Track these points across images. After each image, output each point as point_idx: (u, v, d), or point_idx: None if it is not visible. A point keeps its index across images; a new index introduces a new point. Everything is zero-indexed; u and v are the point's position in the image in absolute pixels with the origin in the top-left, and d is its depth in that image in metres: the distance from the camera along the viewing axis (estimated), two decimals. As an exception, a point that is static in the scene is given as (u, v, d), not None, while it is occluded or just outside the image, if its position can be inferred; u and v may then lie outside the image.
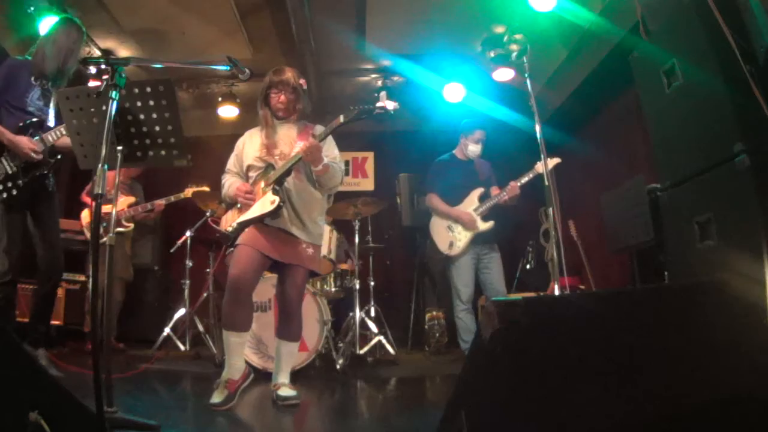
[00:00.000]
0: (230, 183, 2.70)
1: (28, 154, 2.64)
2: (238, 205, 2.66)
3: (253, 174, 2.68)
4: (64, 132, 2.69)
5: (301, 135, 2.65)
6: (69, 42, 2.86)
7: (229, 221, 2.67)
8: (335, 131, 2.54)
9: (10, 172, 2.66)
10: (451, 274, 3.74)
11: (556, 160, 3.46)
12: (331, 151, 2.68)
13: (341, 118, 2.43)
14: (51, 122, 2.80)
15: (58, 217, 3.03)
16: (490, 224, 3.67)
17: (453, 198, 3.78)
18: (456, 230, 3.71)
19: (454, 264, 3.70)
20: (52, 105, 2.84)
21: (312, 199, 2.66)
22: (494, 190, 3.77)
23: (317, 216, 2.69)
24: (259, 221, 2.53)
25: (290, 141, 2.65)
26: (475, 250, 3.69)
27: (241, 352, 2.57)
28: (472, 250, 3.67)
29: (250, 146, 2.72)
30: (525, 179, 3.54)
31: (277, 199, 2.46)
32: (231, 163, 2.78)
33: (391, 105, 2.39)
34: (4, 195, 2.64)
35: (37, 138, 2.70)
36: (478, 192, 3.77)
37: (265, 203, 2.50)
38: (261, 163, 2.64)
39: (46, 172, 2.82)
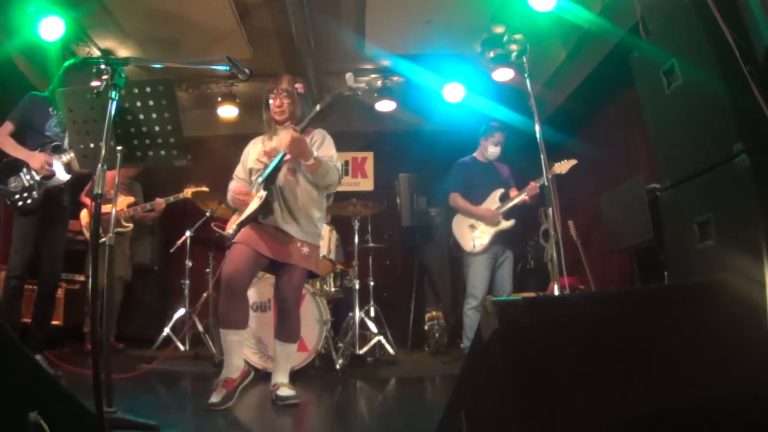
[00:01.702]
0: (233, 186, 2.77)
1: (43, 166, 2.94)
2: (236, 211, 2.73)
3: (254, 178, 2.73)
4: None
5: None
6: (82, 78, 3.07)
7: (231, 224, 2.74)
8: (331, 129, 2.66)
9: (27, 185, 2.98)
10: (467, 271, 3.82)
11: (572, 162, 3.51)
12: (327, 150, 2.71)
13: (317, 107, 2.50)
14: (66, 146, 3.06)
15: (66, 230, 3.30)
16: (511, 222, 3.78)
17: (474, 198, 3.89)
18: (478, 229, 3.79)
19: (473, 261, 3.78)
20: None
21: (307, 197, 2.67)
22: (513, 192, 3.87)
23: (313, 214, 2.70)
24: (253, 219, 2.57)
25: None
26: (494, 250, 3.79)
27: (238, 350, 2.57)
28: (491, 249, 3.76)
29: (253, 152, 2.79)
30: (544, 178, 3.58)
31: (264, 193, 2.51)
32: (238, 170, 2.86)
33: (360, 86, 2.47)
34: (20, 204, 2.96)
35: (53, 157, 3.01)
36: (498, 192, 3.87)
37: (255, 201, 2.56)
38: (260, 166, 2.70)
39: (61, 186, 3.07)
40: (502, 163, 4.11)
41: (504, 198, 3.85)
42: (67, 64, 3.14)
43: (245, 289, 2.57)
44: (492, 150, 4.00)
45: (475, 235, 3.78)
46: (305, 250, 2.63)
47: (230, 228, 2.70)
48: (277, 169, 2.57)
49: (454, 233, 3.92)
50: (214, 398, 2.40)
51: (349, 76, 2.43)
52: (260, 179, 2.62)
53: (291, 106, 2.72)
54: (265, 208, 2.52)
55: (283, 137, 2.69)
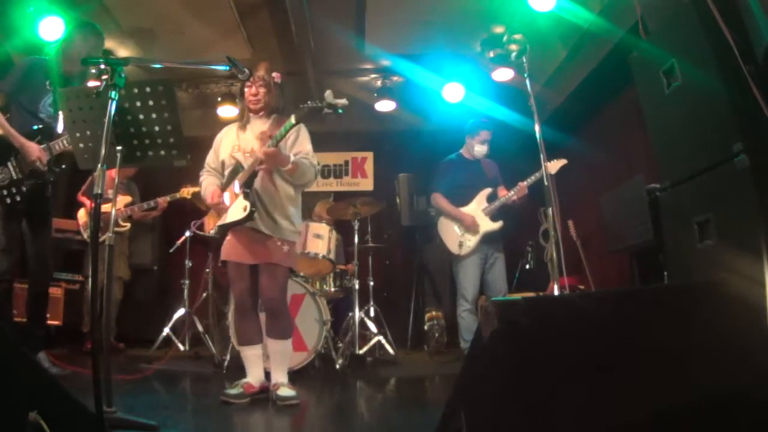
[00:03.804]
0: (206, 184, 2.72)
1: (35, 162, 2.67)
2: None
3: (226, 172, 2.70)
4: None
5: (273, 130, 2.61)
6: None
7: (211, 225, 2.76)
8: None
9: (15, 177, 2.68)
10: (457, 273, 3.77)
11: (562, 162, 3.47)
12: (303, 146, 2.66)
13: (293, 119, 2.38)
14: (59, 129, 2.81)
15: (51, 222, 3.05)
16: (499, 224, 3.70)
17: (461, 198, 3.80)
18: (465, 230, 3.72)
19: (461, 263, 3.72)
20: (61, 113, 2.82)
21: (283, 197, 2.64)
22: (501, 191, 3.80)
23: (290, 212, 2.66)
24: (235, 225, 2.57)
25: (262, 137, 2.62)
26: (483, 250, 3.72)
27: (258, 362, 2.66)
28: (480, 250, 3.70)
29: (226, 141, 2.75)
30: (532, 179, 3.55)
31: (248, 204, 2.48)
32: (210, 158, 2.81)
33: (339, 102, 2.34)
34: (8, 200, 2.67)
35: (43, 146, 2.72)
36: (486, 192, 3.80)
37: (238, 209, 2.53)
38: (232, 161, 2.65)
39: (50, 180, 2.83)
40: (490, 160, 4.00)
41: (492, 198, 3.77)
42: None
43: (256, 305, 2.66)
44: (478, 148, 3.87)
45: (461, 237, 3.70)
46: (285, 248, 2.61)
47: (211, 229, 2.73)
48: (254, 174, 2.55)
49: (441, 235, 3.82)
50: (230, 390, 2.47)
51: (328, 93, 2.34)
52: (237, 182, 2.58)
53: (267, 96, 2.66)
54: (249, 217, 2.49)
55: (256, 130, 2.65)
